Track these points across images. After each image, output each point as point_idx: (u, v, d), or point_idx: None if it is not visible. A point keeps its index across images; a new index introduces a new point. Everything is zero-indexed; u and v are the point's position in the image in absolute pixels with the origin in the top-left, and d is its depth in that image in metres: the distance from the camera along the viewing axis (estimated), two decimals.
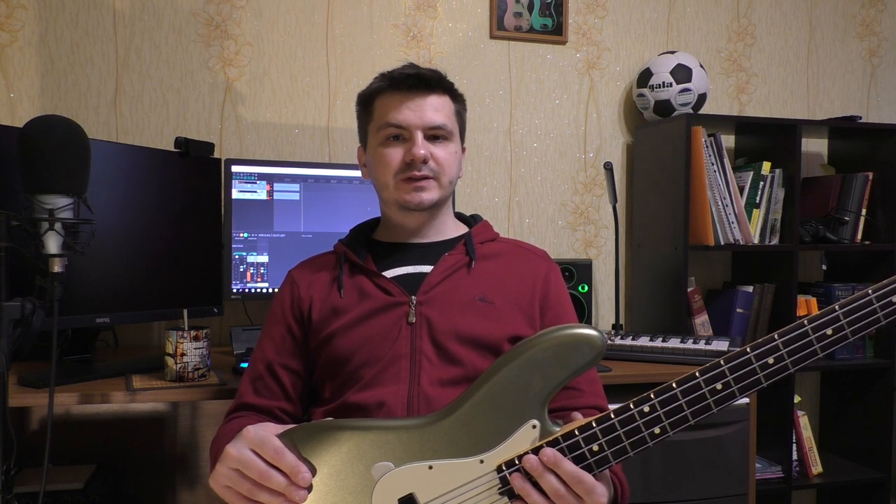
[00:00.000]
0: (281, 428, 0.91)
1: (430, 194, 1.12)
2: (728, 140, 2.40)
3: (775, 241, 2.20)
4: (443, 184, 1.13)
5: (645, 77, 2.19)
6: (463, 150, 1.21)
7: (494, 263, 1.15)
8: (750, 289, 2.22)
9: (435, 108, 1.12)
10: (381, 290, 1.11)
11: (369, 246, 1.20)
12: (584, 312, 2.00)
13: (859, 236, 2.28)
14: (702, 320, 2.18)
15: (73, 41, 1.90)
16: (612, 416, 0.86)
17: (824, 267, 2.40)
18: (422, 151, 1.09)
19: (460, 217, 1.27)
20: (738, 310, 2.21)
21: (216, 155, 1.84)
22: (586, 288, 2.03)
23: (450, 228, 1.21)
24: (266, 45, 2.05)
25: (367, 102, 1.17)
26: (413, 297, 1.09)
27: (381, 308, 1.09)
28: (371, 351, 1.06)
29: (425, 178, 1.11)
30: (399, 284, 1.11)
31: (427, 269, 1.13)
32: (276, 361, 1.12)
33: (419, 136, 1.10)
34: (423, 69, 1.13)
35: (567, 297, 1.18)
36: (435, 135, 1.12)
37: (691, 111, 2.16)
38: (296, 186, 1.83)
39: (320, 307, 1.12)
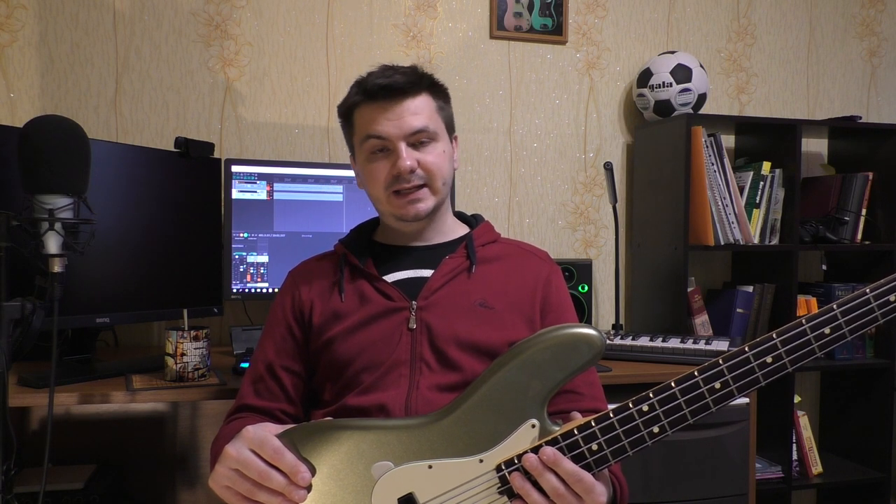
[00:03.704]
0: (280, 428, 0.91)
1: (426, 203, 1.11)
2: (728, 140, 2.40)
3: (775, 241, 2.20)
4: (436, 188, 1.11)
5: (645, 77, 2.19)
6: (455, 139, 1.19)
7: (495, 266, 1.14)
8: (750, 289, 2.22)
9: (413, 113, 1.09)
10: (382, 295, 1.10)
11: (370, 248, 1.19)
12: (584, 312, 2.01)
13: (859, 236, 2.28)
14: (702, 320, 2.18)
15: (73, 41, 1.90)
16: (611, 415, 0.86)
17: (824, 267, 2.40)
18: (407, 163, 1.07)
19: (461, 217, 1.26)
20: (738, 310, 2.21)
21: (216, 155, 1.84)
22: (586, 288, 2.03)
23: (450, 229, 1.20)
24: (266, 45, 2.05)
25: (346, 115, 1.15)
26: (413, 303, 1.09)
27: (382, 313, 1.09)
28: (371, 356, 1.06)
29: (416, 188, 1.09)
30: (399, 289, 1.10)
31: (428, 273, 1.13)
32: (276, 363, 1.12)
33: (402, 146, 1.08)
34: (396, 74, 1.09)
35: (568, 299, 1.18)
36: (419, 139, 1.10)
37: (691, 111, 2.16)
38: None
39: (321, 311, 1.12)
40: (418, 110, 1.09)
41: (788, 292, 2.17)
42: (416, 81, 1.11)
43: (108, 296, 1.55)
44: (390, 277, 1.13)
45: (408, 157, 1.08)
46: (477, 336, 1.06)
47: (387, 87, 1.08)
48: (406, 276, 1.13)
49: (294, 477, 0.86)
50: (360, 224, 1.25)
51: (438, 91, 1.15)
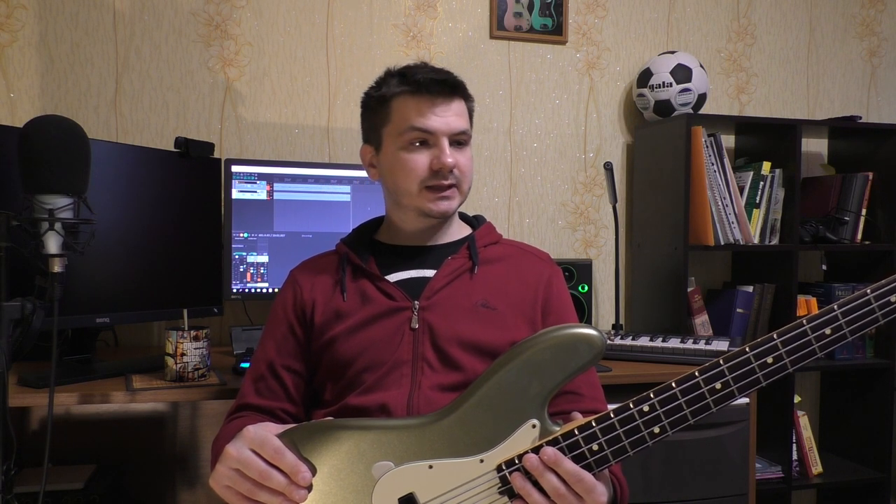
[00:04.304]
0: (281, 427, 0.91)
1: (453, 203, 1.12)
2: (728, 140, 2.40)
3: (775, 241, 2.20)
4: (463, 191, 1.13)
5: (645, 77, 2.19)
6: None
7: (497, 267, 1.15)
8: (750, 289, 2.22)
9: (457, 114, 1.11)
10: (384, 295, 1.10)
11: (372, 247, 1.19)
12: (584, 312, 2.01)
13: (859, 236, 2.28)
14: (702, 320, 2.18)
15: (73, 41, 1.90)
16: (612, 415, 0.86)
17: (824, 267, 2.40)
18: (450, 160, 1.08)
19: (463, 217, 1.26)
20: (738, 310, 2.21)
21: (216, 155, 1.84)
22: (586, 288, 2.03)
23: (454, 231, 1.20)
24: (266, 45, 2.05)
25: (381, 102, 1.13)
26: (416, 303, 1.09)
27: (384, 313, 1.09)
28: (373, 356, 1.06)
29: (450, 186, 1.10)
30: (402, 289, 1.10)
31: (430, 273, 1.13)
32: (278, 362, 1.12)
33: (445, 143, 1.09)
34: (442, 72, 1.11)
35: (569, 301, 1.18)
36: (458, 140, 1.11)
37: (691, 111, 2.16)
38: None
39: (323, 310, 1.12)
40: (461, 112, 1.12)
41: (788, 292, 2.17)
42: (461, 86, 1.13)
43: (108, 296, 1.55)
44: (392, 277, 1.13)
45: (451, 154, 1.09)
46: (479, 336, 1.06)
47: (441, 82, 1.09)
48: (408, 276, 1.13)
49: (295, 477, 0.86)
50: (362, 224, 1.25)
51: (471, 100, 1.18)
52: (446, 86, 1.09)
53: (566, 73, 2.31)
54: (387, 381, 1.04)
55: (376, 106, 1.15)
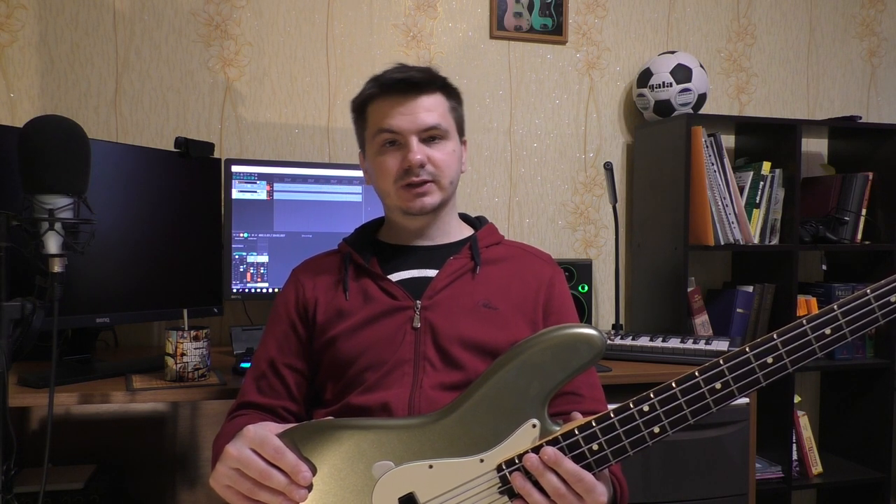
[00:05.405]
0: (281, 427, 0.92)
1: (432, 198, 1.12)
2: (728, 140, 2.40)
3: (775, 241, 2.20)
4: (443, 185, 1.12)
5: (645, 77, 2.19)
6: (464, 143, 1.20)
7: (499, 268, 1.15)
8: (750, 289, 2.22)
9: (427, 109, 1.10)
10: (386, 294, 1.11)
11: (374, 247, 1.20)
12: (584, 312, 2.01)
13: (859, 236, 2.28)
14: (702, 320, 2.18)
15: (73, 41, 1.90)
16: (612, 415, 0.86)
17: (824, 267, 2.40)
18: (418, 157, 1.08)
19: (465, 218, 1.26)
20: (738, 310, 2.21)
21: (216, 155, 1.84)
22: (586, 288, 2.03)
23: (455, 230, 1.20)
24: (266, 45, 2.05)
25: (360, 109, 1.16)
26: (418, 302, 1.09)
27: (386, 312, 1.09)
28: (375, 355, 1.06)
29: (424, 182, 1.10)
30: (404, 288, 1.11)
31: (432, 272, 1.13)
32: (279, 360, 1.12)
33: (413, 140, 1.09)
34: (412, 70, 1.11)
35: (570, 302, 1.18)
36: (430, 136, 1.11)
37: (691, 111, 2.16)
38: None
39: (325, 309, 1.12)
40: (432, 107, 1.11)
41: (788, 292, 2.17)
42: (431, 80, 1.12)
43: (108, 296, 1.55)
44: (394, 277, 1.13)
45: (418, 151, 1.09)
46: (481, 336, 1.06)
47: (403, 81, 1.09)
48: (410, 276, 1.14)
49: (295, 476, 0.86)
50: (364, 223, 1.25)
51: (452, 92, 1.17)
52: (408, 84, 1.09)
53: (566, 73, 2.31)
54: (388, 380, 1.04)
55: (357, 113, 1.17)
